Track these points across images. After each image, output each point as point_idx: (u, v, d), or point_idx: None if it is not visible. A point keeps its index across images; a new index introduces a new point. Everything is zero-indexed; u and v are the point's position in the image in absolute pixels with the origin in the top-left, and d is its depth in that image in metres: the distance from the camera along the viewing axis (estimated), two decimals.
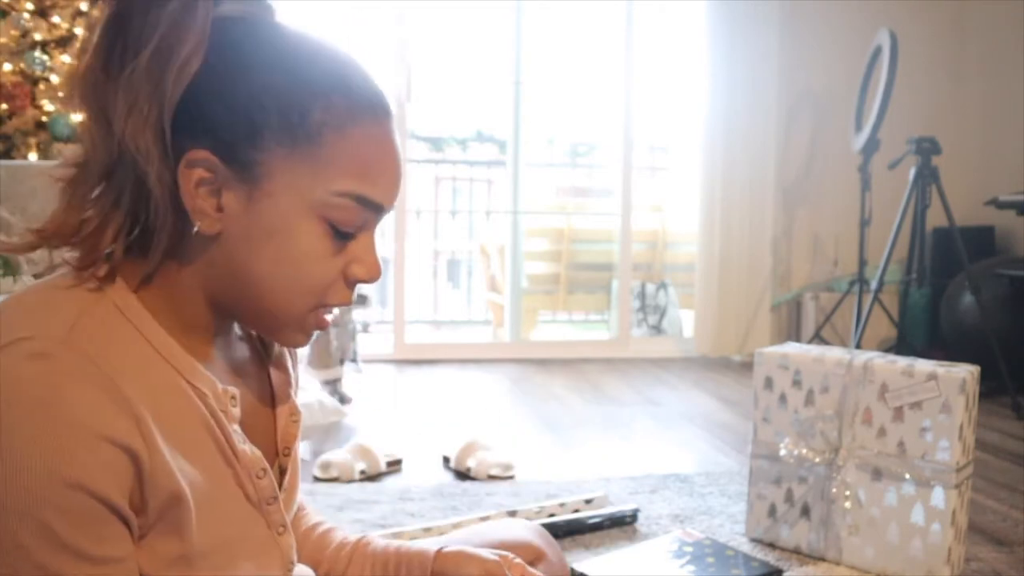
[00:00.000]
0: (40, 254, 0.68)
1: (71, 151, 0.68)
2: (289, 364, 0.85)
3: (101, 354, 0.62)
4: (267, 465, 0.74)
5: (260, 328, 0.75)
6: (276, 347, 0.83)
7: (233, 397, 0.72)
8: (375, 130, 0.68)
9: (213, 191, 0.66)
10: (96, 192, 0.66)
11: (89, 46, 0.64)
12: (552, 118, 5.37)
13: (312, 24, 0.72)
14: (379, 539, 0.97)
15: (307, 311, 0.71)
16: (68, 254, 0.67)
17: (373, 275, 0.72)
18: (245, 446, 0.72)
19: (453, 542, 0.94)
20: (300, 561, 0.92)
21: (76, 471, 0.59)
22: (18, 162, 2.62)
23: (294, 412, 0.82)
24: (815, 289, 4.05)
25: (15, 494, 0.58)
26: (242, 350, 0.80)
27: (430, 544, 0.93)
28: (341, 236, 0.69)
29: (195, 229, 0.66)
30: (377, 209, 0.70)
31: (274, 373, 0.82)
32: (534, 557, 0.98)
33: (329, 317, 0.74)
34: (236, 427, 0.72)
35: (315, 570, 0.94)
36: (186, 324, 0.70)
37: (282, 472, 0.81)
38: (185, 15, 0.63)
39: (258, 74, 0.65)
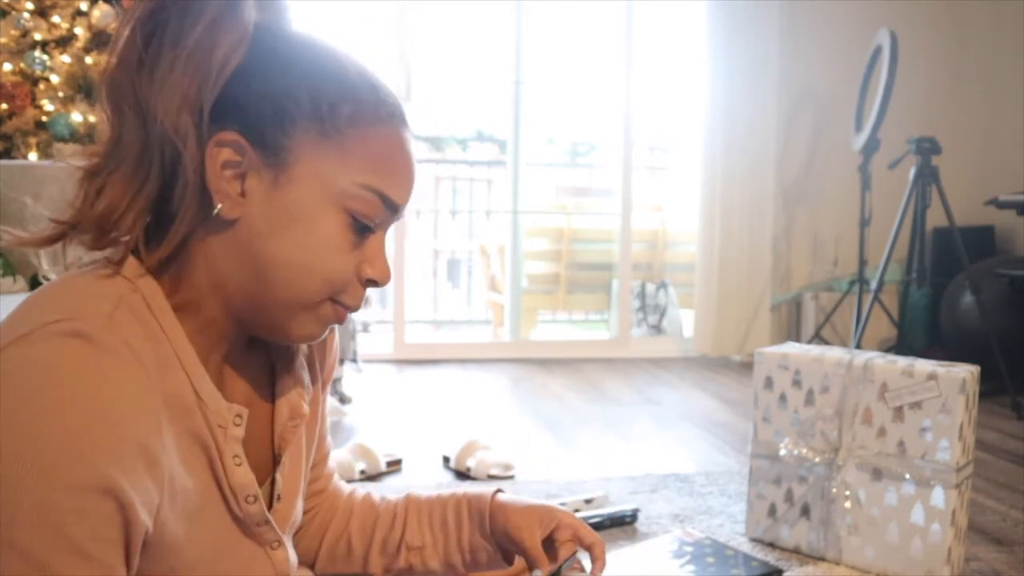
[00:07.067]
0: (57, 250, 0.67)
1: (94, 144, 0.68)
2: (303, 370, 0.83)
3: (138, 348, 0.61)
4: (258, 492, 0.73)
5: (270, 325, 0.72)
6: (286, 351, 0.81)
7: (239, 415, 0.70)
8: (396, 134, 0.71)
9: (238, 175, 0.66)
10: (121, 180, 0.65)
11: (121, 39, 0.65)
12: (552, 118, 5.37)
13: (316, 27, 0.75)
14: (423, 492, 1.00)
15: (321, 301, 0.70)
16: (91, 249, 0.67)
17: (383, 277, 0.73)
18: (239, 468, 0.71)
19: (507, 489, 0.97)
20: (351, 531, 0.97)
21: (113, 472, 0.57)
22: (19, 162, 2.62)
23: (295, 416, 0.79)
24: (815, 289, 4.05)
25: (28, 490, 0.54)
26: (254, 354, 0.78)
27: (486, 488, 0.97)
28: (360, 230, 0.70)
29: (216, 211, 0.66)
30: (394, 209, 0.72)
31: (281, 377, 0.80)
32: None
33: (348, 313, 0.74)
34: (237, 447, 0.70)
35: (369, 538, 0.96)
36: (202, 324, 0.70)
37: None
38: (226, 15, 0.65)
39: (292, 69, 0.67)
